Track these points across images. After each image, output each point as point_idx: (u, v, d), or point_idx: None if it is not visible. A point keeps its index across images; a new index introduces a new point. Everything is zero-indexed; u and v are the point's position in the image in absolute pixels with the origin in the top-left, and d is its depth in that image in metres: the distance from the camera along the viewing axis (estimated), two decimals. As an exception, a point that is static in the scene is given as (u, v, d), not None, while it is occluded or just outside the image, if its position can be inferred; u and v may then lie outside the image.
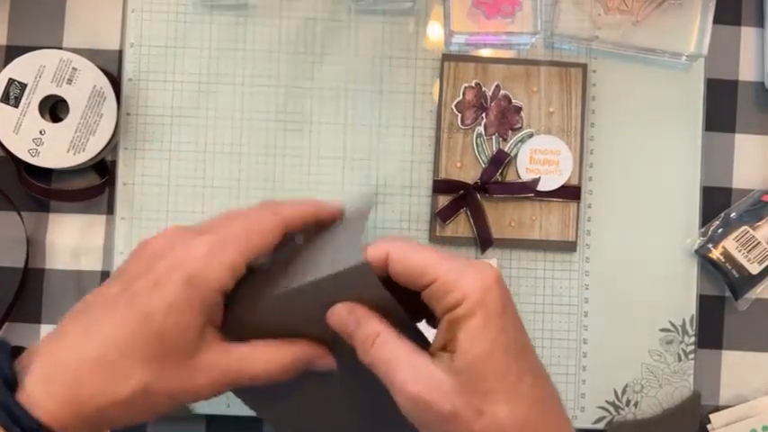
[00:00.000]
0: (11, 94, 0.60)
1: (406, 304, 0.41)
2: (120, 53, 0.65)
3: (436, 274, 0.38)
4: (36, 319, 0.63)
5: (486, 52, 0.65)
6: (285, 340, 0.41)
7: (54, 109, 0.63)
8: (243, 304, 0.42)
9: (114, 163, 0.64)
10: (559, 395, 0.41)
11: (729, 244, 0.63)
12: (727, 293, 0.65)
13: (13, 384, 0.36)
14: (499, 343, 0.37)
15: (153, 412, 0.39)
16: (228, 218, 0.44)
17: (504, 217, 0.64)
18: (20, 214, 0.63)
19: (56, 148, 0.61)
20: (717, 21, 0.64)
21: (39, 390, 0.36)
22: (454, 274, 0.37)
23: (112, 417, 0.37)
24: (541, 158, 0.64)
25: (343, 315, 0.39)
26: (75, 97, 0.61)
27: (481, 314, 0.37)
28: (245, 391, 0.46)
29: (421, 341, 0.40)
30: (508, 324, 0.38)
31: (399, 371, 0.37)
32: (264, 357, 0.40)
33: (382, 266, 0.39)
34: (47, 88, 0.61)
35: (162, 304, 0.37)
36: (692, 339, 0.64)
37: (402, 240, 0.40)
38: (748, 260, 0.63)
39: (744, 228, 0.63)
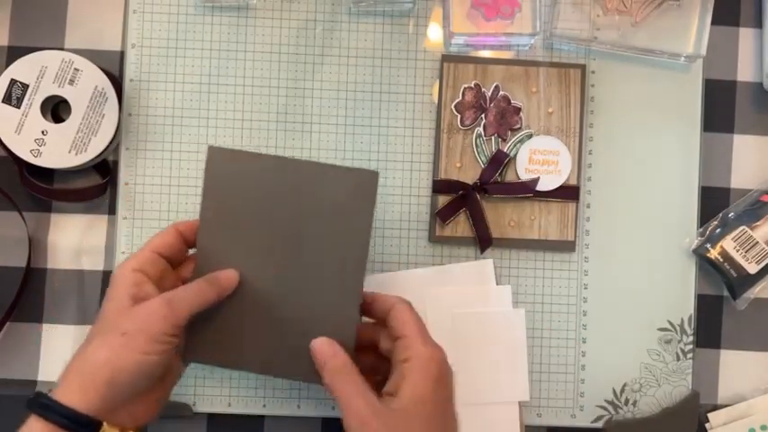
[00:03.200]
0: (13, 94, 0.61)
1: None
2: (122, 54, 0.65)
3: (409, 334, 0.50)
4: (38, 318, 0.64)
5: (485, 53, 0.65)
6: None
7: (56, 109, 0.63)
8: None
9: (116, 163, 0.65)
10: None
11: (728, 244, 0.63)
12: (726, 293, 0.65)
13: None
14: (426, 403, 0.48)
15: (136, 363, 0.48)
16: None
17: (503, 217, 0.64)
18: (22, 214, 0.63)
19: (58, 149, 0.61)
20: (715, 22, 0.64)
21: (64, 390, 0.47)
22: (419, 339, 0.50)
23: (117, 381, 0.47)
24: (540, 159, 0.64)
25: (323, 345, 0.52)
26: (77, 98, 0.61)
27: (420, 375, 0.49)
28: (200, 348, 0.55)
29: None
30: (437, 395, 0.49)
31: (356, 398, 0.48)
32: (187, 291, 0.51)
33: (383, 310, 0.53)
34: (49, 89, 0.61)
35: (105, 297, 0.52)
36: (691, 339, 0.65)
37: (406, 302, 0.53)
38: (746, 260, 0.63)
39: (742, 228, 0.63)
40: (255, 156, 0.55)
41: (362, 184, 0.54)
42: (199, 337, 0.53)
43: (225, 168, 0.54)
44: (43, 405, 0.46)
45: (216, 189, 0.54)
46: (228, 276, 0.53)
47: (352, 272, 0.54)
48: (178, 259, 0.55)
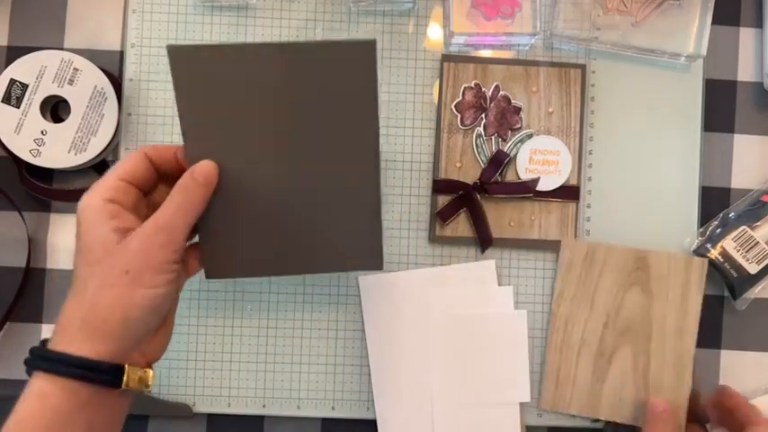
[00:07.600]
0: (12, 94, 0.61)
1: None
2: (121, 54, 0.65)
3: None
4: (37, 318, 0.64)
5: (485, 53, 0.65)
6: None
7: (55, 109, 0.63)
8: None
9: (115, 163, 0.64)
10: None
11: (728, 244, 0.63)
12: (726, 293, 0.65)
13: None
14: None
15: (140, 296, 0.45)
16: None
17: (503, 217, 0.64)
18: (21, 214, 0.63)
19: (57, 149, 0.61)
20: (716, 21, 0.64)
21: (68, 341, 0.44)
22: None
23: (131, 322, 0.45)
24: (541, 159, 0.64)
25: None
26: (77, 98, 0.61)
27: None
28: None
29: None
30: None
31: None
32: (164, 209, 0.47)
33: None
34: (48, 89, 0.61)
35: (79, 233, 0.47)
36: (691, 339, 0.65)
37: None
38: (747, 260, 0.63)
39: (742, 228, 0.63)
40: (228, 47, 0.50)
41: (359, 56, 0.48)
42: (215, 253, 0.50)
43: (198, 69, 0.48)
44: (52, 359, 0.43)
45: (192, 96, 0.48)
46: (204, 169, 0.48)
47: (365, 156, 0.49)
48: (147, 188, 0.50)
